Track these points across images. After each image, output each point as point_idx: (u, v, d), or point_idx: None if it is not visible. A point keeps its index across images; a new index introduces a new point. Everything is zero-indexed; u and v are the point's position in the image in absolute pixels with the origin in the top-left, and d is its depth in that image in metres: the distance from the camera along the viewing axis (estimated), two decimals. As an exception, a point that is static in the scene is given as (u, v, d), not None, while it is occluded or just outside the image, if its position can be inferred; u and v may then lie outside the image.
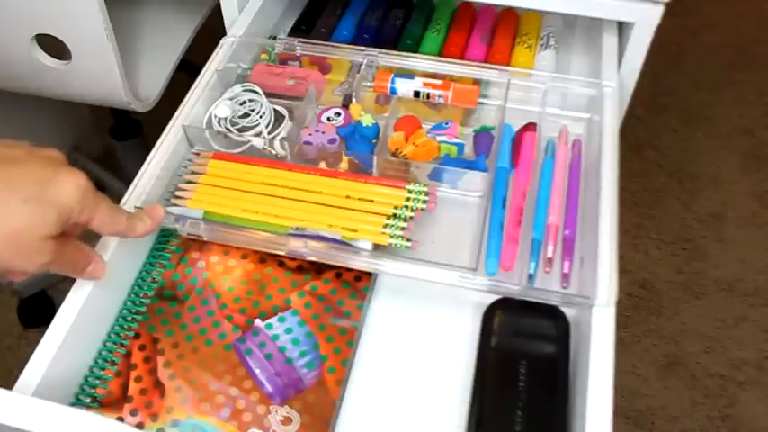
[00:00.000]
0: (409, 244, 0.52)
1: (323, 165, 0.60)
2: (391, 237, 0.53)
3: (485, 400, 0.47)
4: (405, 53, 0.65)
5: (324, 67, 0.67)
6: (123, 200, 0.53)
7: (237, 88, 0.63)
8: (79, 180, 0.42)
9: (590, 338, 0.46)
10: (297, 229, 0.53)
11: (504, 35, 0.71)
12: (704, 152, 1.52)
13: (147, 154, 0.57)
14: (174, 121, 0.59)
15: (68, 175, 0.42)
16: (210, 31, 0.85)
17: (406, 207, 0.55)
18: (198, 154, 0.59)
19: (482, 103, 0.63)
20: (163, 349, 0.50)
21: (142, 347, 0.50)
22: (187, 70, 0.98)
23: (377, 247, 0.52)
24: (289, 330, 0.51)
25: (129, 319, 0.52)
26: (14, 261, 0.41)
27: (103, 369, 0.49)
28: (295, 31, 0.74)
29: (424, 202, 0.55)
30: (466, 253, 0.54)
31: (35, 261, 0.41)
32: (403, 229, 0.53)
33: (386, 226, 0.53)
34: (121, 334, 0.51)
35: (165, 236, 0.56)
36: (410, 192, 0.56)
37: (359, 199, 0.55)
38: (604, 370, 0.45)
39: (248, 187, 0.56)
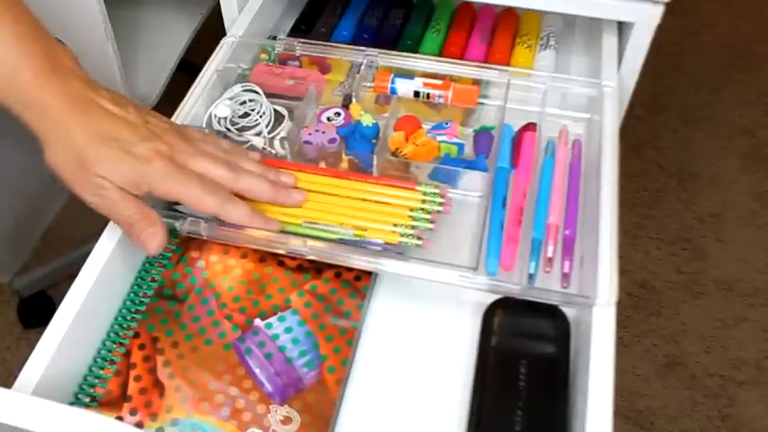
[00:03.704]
0: (420, 242, 0.52)
1: (323, 164, 0.60)
2: (402, 235, 0.52)
3: (485, 400, 0.47)
4: (405, 53, 0.65)
5: (324, 67, 0.67)
6: (123, 199, 0.53)
7: (237, 88, 0.63)
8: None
9: (590, 338, 0.46)
10: (308, 223, 0.53)
11: (504, 35, 0.71)
12: (704, 152, 1.52)
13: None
14: (173, 119, 0.59)
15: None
16: (210, 31, 0.85)
17: (422, 209, 0.54)
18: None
19: (482, 103, 0.63)
20: (162, 348, 0.50)
21: (141, 347, 0.50)
22: (187, 70, 0.98)
23: (388, 245, 0.52)
24: (288, 330, 0.51)
25: (129, 318, 0.52)
26: None
27: (103, 368, 0.49)
28: (295, 31, 0.74)
29: (440, 204, 0.55)
30: (466, 252, 0.54)
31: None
32: (414, 228, 0.53)
33: (395, 225, 0.53)
34: (120, 333, 0.51)
35: (164, 235, 0.56)
36: (424, 194, 0.55)
37: (374, 201, 0.55)
38: (604, 370, 0.45)
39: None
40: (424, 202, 0.55)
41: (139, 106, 0.51)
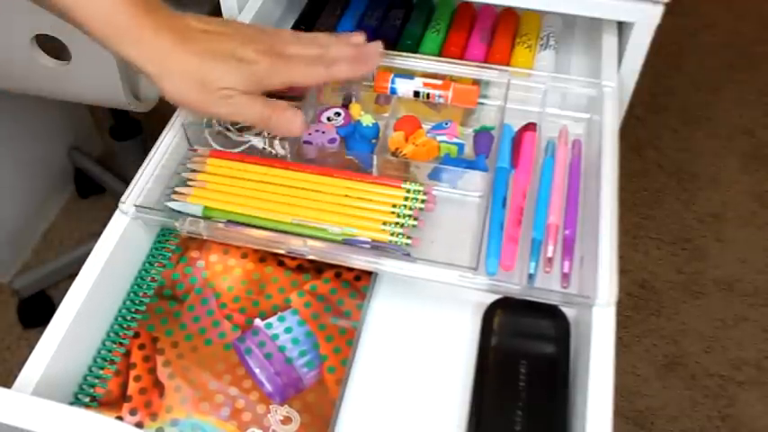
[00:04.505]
0: (410, 241, 0.52)
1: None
2: (391, 234, 0.52)
3: (485, 400, 0.47)
4: (405, 53, 0.65)
5: (324, 66, 0.67)
6: (123, 198, 0.53)
7: (237, 88, 0.63)
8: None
9: (590, 338, 0.46)
10: (297, 220, 0.53)
11: (504, 35, 0.71)
12: (704, 152, 1.52)
13: (147, 154, 0.57)
14: (173, 120, 0.59)
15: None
16: (210, 31, 0.84)
17: (405, 206, 0.55)
18: (195, 150, 0.59)
19: (482, 103, 0.63)
20: (162, 348, 0.50)
21: (141, 347, 0.50)
22: (187, 70, 0.98)
23: (377, 245, 0.52)
24: (288, 330, 0.51)
25: (129, 318, 0.52)
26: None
27: (102, 368, 0.49)
28: (295, 31, 0.74)
29: (423, 201, 0.55)
30: (466, 252, 0.54)
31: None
32: (403, 225, 0.53)
33: (385, 223, 0.53)
34: (120, 333, 0.51)
35: (164, 235, 0.56)
36: (408, 191, 0.56)
37: (357, 198, 0.55)
38: (604, 370, 0.45)
39: (247, 185, 0.56)
40: (407, 198, 0.55)
41: (222, 19, 0.56)
